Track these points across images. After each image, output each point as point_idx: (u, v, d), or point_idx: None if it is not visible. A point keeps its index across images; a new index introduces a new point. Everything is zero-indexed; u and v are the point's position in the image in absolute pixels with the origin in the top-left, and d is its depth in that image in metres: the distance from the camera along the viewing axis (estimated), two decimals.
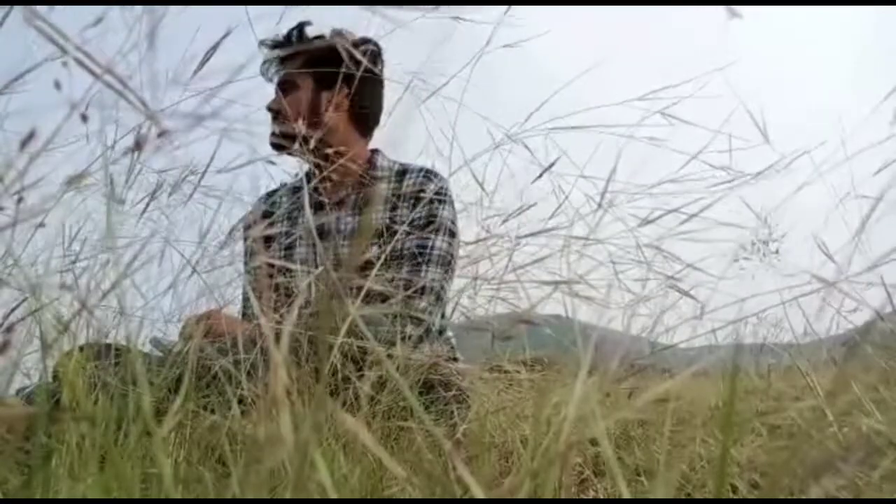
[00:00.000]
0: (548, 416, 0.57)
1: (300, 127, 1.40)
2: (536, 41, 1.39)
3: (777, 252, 1.36)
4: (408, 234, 1.44)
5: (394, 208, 1.51)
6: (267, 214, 1.62)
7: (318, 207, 1.54)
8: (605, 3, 1.76)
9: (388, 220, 1.49)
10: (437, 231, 1.45)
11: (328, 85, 1.53)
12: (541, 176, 1.37)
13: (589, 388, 0.45)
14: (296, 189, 1.64)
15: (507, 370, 1.32)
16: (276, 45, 1.57)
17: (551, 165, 1.36)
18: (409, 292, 1.35)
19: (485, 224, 1.50)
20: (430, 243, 1.44)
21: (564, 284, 1.08)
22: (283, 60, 1.58)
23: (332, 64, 1.44)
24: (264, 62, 1.60)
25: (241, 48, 1.03)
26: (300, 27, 1.54)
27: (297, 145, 1.37)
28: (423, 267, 1.42)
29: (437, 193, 1.49)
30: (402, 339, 1.13)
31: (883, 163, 0.99)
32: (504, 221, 1.43)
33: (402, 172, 1.57)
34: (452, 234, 1.48)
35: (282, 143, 1.44)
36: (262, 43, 1.55)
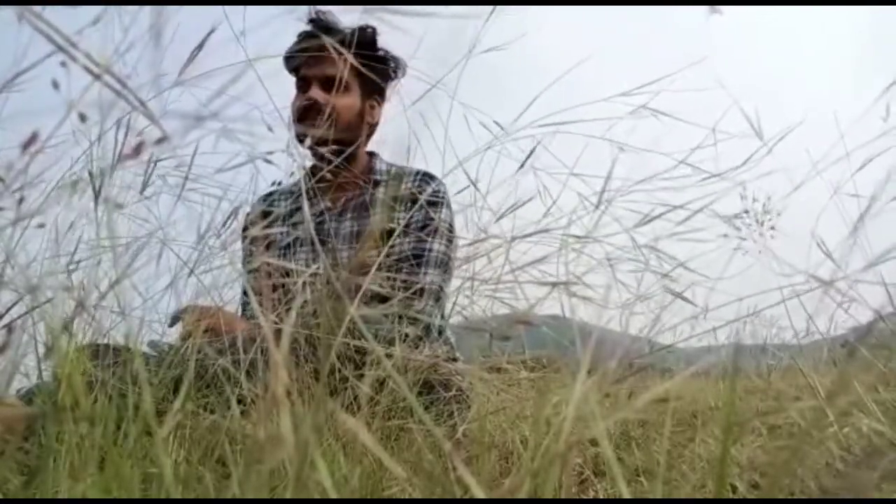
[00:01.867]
0: (548, 416, 0.57)
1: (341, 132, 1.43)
2: (533, 39, 1.38)
3: (774, 229, 1.33)
4: (406, 236, 1.44)
5: (392, 211, 1.51)
6: (265, 215, 1.62)
7: (319, 212, 1.54)
8: (601, 3, 1.76)
9: (387, 223, 1.48)
10: (434, 233, 1.45)
11: (373, 92, 1.57)
12: (522, 166, 1.37)
13: (588, 388, 0.45)
14: (294, 191, 1.64)
15: (506, 370, 1.32)
16: (323, 32, 1.43)
17: (529, 156, 1.36)
18: (407, 293, 1.35)
19: (481, 224, 1.50)
20: (427, 246, 1.44)
21: (562, 285, 1.08)
22: (317, 52, 1.46)
23: (381, 72, 1.49)
24: (300, 48, 1.48)
25: (238, 48, 1.03)
26: (364, 30, 1.49)
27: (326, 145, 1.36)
28: (422, 269, 1.41)
29: (434, 196, 1.49)
30: (402, 339, 1.13)
31: (880, 160, 0.99)
32: (498, 219, 1.43)
33: (400, 176, 1.57)
34: (450, 237, 1.48)
35: (327, 138, 1.40)
36: (312, 22, 1.45)
